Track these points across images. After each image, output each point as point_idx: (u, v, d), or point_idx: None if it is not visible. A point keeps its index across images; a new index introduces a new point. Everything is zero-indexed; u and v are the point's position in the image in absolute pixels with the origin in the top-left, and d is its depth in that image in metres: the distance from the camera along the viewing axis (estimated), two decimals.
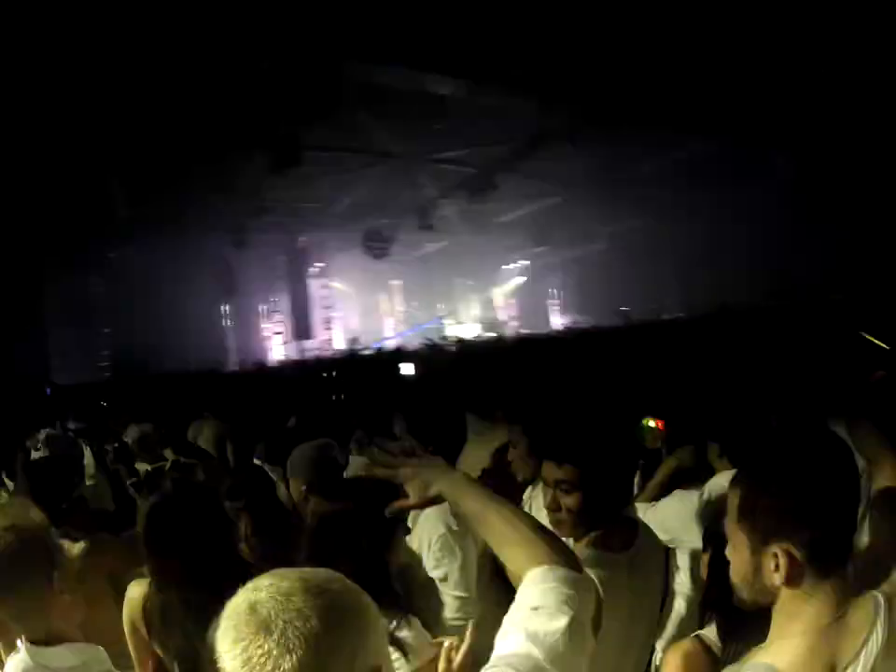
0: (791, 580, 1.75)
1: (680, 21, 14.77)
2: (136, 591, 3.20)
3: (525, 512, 2.12)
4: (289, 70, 15.71)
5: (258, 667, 1.15)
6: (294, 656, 1.15)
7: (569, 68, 16.99)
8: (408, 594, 3.34)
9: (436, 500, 2.01)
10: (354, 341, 32.29)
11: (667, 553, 3.21)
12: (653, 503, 4.16)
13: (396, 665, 2.42)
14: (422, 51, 16.52)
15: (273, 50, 14.96)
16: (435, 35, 15.56)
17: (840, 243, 23.25)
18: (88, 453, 6.87)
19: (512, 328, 36.76)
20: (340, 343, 33.41)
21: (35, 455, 7.09)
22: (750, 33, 14.98)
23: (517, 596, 1.63)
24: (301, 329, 31.25)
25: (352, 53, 14.46)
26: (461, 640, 2.04)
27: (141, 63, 13.74)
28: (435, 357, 14.86)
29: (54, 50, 12.60)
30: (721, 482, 3.31)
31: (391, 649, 2.31)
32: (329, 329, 33.97)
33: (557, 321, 36.66)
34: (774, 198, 24.41)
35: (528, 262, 37.59)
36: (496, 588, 3.16)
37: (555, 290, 39.20)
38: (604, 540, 2.70)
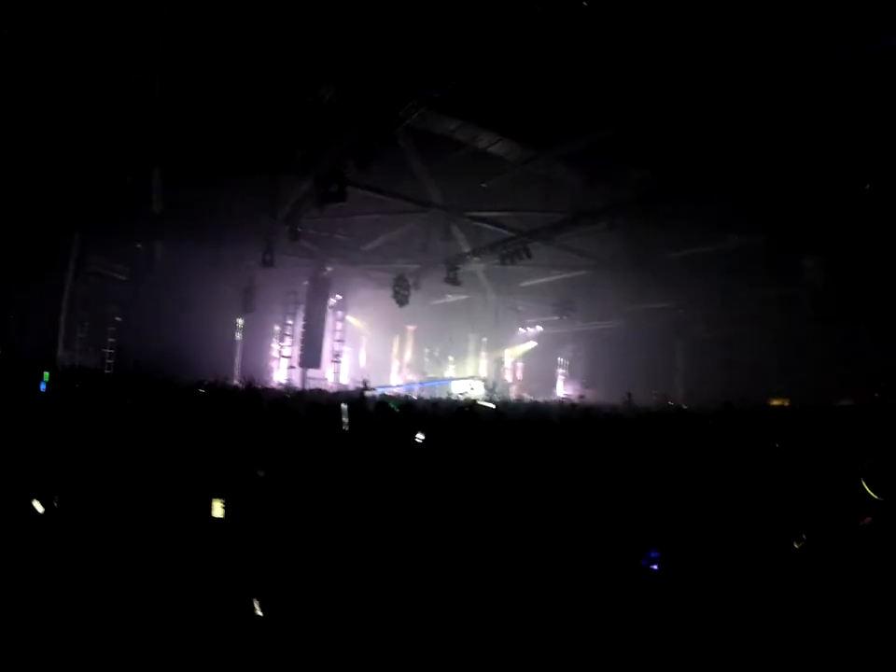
0: None
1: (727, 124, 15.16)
2: None
3: None
4: (350, 106, 15.99)
5: None
6: None
7: (622, 152, 17.29)
8: None
9: None
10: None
11: None
12: None
13: None
14: (485, 110, 16.85)
15: (339, 82, 15.19)
16: (501, 97, 15.93)
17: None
18: None
19: (516, 391, 36.83)
20: (345, 378, 33.41)
21: None
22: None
23: None
24: (311, 356, 31.15)
25: (415, 98, 14.38)
26: None
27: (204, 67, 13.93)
28: None
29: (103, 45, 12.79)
30: None
31: None
32: (337, 361, 33.94)
33: (563, 390, 36.79)
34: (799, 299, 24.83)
35: (542, 329, 37.85)
36: None
37: (564, 360, 39.45)
38: None
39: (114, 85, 13.31)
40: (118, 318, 26.24)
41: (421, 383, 32.07)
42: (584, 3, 10.36)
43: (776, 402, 24.70)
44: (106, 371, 21.64)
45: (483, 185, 21.51)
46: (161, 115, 14.57)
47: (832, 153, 15.44)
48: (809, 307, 24.50)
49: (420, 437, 8.86)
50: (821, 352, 24.69)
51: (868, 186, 16.69)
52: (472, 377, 34.49)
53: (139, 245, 25.90)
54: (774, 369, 26.37)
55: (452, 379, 29.69)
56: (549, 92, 15.15)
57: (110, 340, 25.99)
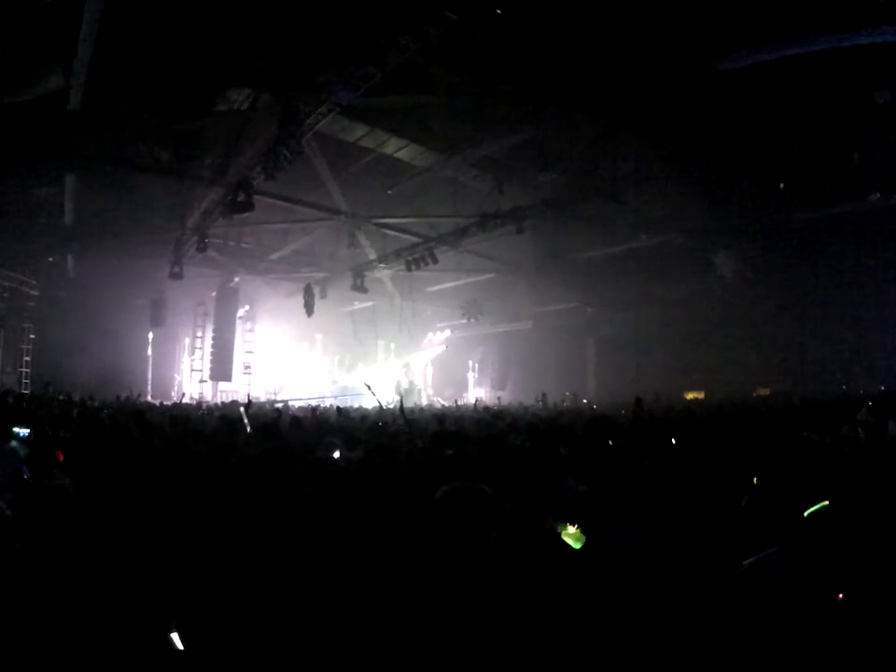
0: None
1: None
2: None
3: None
4: (259, 113, 16.06)
5: None
6: None
7: (531, 156, 17.75)
8: None
9: None
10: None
11: None
12: None
13: None
14: (392, 115, 17.10)
15: (248, 85, 15.26)
16: (409, 104, 16.21)
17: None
18: None
19: (429, 395, 37.08)
20: (257, 391, 32.96)
21: None
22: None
23: None
24: (221, 369, 30.77)
25: (323, 104, 14.51)
26: None
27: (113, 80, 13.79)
28: None
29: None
30: None
31: None
32: (247, 373, 33.61)
33: (475, 393, 37.17)
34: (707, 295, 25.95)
35: (450, 333, 38.22)
36: None
37: (474, 362, 39.96)
38: None
39: (27, 92, 13.10)
40: (32, 336, 25.56)
41: (334, 395, 31.84)
42: (498, 11, 10.69)
43: (691, 395, 25.88)
44: (23, 391, 20.93)
45: (390, 191, 21.68)
46: (73, 122, 14.34)
47: (741, 150, 16.21)
48: (720, 302, 25.65)
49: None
50: (733, 344, 25.96)
51: (782, 185, 17.66)
52: (380, 389, 34.37)
53: (51, 259, 25.38)
54: (686, 363, 27.56)
55: (360, 394, 29.70)
56: (458, 98, 15.51)
57: (26, 359, 25.25)
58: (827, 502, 3.19)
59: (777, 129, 15.10)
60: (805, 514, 3.20)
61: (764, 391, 24.34)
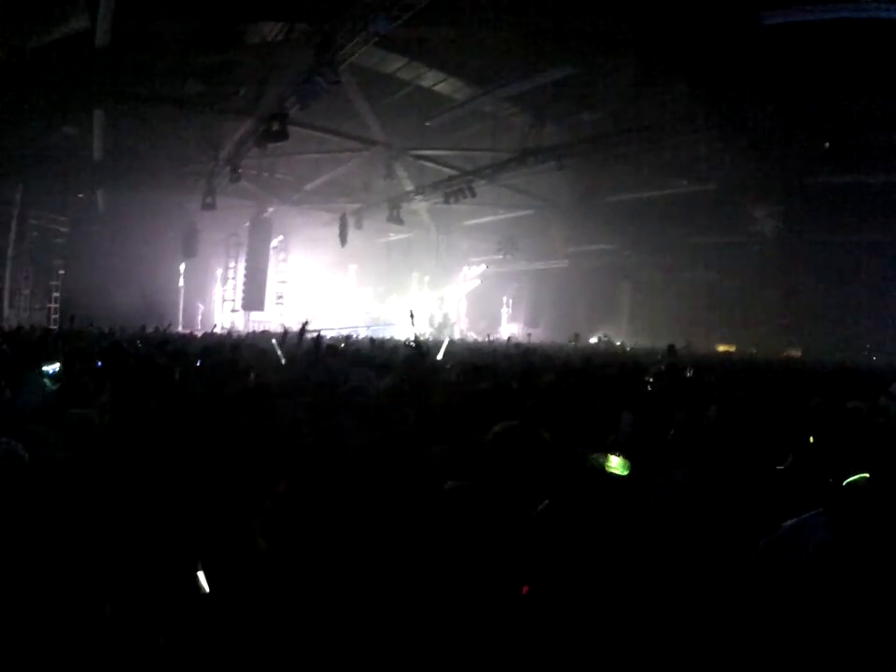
0: None
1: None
2: None
3: None
4: (295, 43, 15.51)
5: None
6: None
7: (573, 92, 17.17)
8: None
9: None
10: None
11: None
12: None
13: None
14: (430, 47, 16.53)
15: (284, 20, 14.72)
16: (448, 36, 15.61)
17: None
18: None
19: (462, 329, 36.85)
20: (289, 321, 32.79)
21: None
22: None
23: None
24: (253, 298, 30.82)
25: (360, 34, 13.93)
26: None
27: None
28: None
29: None
30: None
31: None
32: (280, 303, 33.52)
33: (508, 329, 36.90)
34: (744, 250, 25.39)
35: (485, 267, 37.76)
36: None
37: (509, 299, 39.61)
38: None
39: (54, 28, 12.67)
40: (61, 272, 25.68)
41: (367, 325, 31.75)
42: None
43: (722, 348, 25.54)
44: (52, 327, 20.96)
45: (428, 123, 21.18)
46: (101, 59, 13.94)
47: (788, 107, 15.54)
48: (757, 258, 25.12)
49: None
50: (766, 302, 25.46)
51: (827, 144, 16.94)
52: (413, 318, 34.09)
53: (80, 195, 25.14)
54: (719, 315, 27.17)
55: (392, 324, 29.58)
56: (498, 32, 14.90)
57: (55, 295, 25.52)
58: (867, 474, 3.03)
59: (827, 91, 14.39)
60: (844, 483, 3.09)
61: (795, 352, 23.90)
